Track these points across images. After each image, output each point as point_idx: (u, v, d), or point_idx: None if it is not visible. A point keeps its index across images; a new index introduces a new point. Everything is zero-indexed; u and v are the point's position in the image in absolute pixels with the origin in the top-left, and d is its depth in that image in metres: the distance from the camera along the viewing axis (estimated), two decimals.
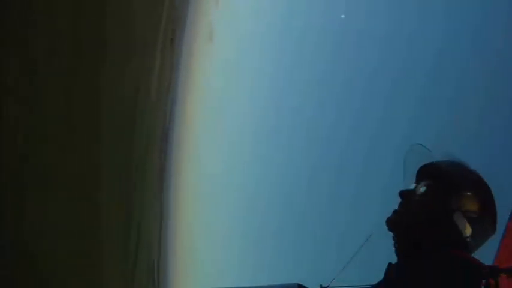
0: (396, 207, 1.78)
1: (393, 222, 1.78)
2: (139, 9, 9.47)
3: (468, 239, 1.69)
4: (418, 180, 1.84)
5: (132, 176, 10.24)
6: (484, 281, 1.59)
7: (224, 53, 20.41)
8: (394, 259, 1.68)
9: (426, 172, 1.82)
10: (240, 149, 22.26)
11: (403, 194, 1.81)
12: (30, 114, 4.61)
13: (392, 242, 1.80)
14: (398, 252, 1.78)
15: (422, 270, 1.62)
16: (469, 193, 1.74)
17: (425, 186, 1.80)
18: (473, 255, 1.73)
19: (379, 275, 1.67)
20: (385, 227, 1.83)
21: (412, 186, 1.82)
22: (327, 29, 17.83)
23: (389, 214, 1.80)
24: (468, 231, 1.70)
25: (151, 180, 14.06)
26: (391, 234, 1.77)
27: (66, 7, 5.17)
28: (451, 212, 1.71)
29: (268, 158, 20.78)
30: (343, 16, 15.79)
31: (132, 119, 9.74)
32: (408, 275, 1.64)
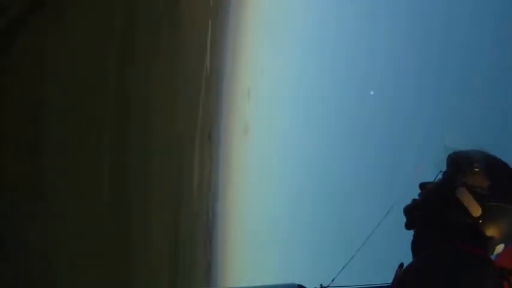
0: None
1: (406, 209, 1.77)
2: (180, 109, 10.58)
3: (480, 221, 1.59)
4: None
5: (179, 271, 10.49)
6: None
7: (260, 145, 21.35)
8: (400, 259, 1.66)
9: (447, 162, 1.80)
10: (278, 244, 22.30)
11: (422, 185, 1.80)
12: None
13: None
14: (412, 245, 1.74)
15: (426, 266, 1.52)
16: (476, 168, 1.67)
17: (442, 174, 1.78)
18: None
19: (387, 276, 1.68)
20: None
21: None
22: (358, 107, 18.61)
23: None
24: (476, 210, 1.60)
25: (198, 276, 14.07)
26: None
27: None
28: (455, 188, 1.65)
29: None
30: (372, 93, 16.54)
31: (176, 219, 10.23)
32: (414, 270, 1.54)
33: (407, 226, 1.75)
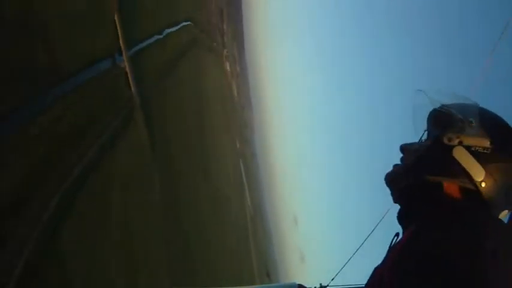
0: None
1: (387, 175, 1.58)
2: (233, 253, 11.79)
3: (484, 184, 1.40)
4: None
5: None
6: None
7: (318, 270, 21.42)
8: None
9: (433, 118, 1.59)
10: None
11: (404, 147, 1.60)
12: None
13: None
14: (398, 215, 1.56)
15: (417, 235, 1.34)
16: (472, 123, 1.47)
17: (427, 133, 1.59)
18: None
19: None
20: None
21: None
22: None
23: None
24: (479, 172, 1.41)
25: None
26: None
27: None
28: (449, 148, 1.45)
29: None
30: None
31: None
32: (407, 239, 1.36)
33: (395, 199, 1.56)
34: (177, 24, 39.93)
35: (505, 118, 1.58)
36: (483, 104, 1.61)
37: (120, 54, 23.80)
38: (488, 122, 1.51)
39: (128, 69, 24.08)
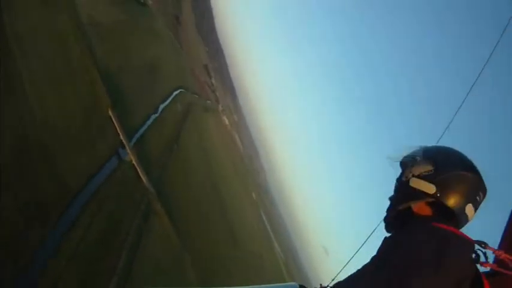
0: None
1: (384, 220, 2.37)
2: None
3: (438, 194, 2.05)
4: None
5: None
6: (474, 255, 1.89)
7: None
8: None
9: (401, 167, 2.36)
10: None
11: (389, 198, 2.37)
12: None
13: None
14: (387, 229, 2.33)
15: (396, 240, 1.99)
16: (417, 158, 2.21)
17: (396, 182, 2.36)
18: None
19: None
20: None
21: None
22: None
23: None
24: (430, 188, 2.09)
25: None
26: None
27: None
28: (407, 182, 2.19)
29: None
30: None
31: None
32: (387, 245, 1.98)
33: (387, 229, 2.32)
34: (169, 96, 40.62)
35: None
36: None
37: (123, 147, 24.14)
38: (430, 152, 2.18)
39: (134, 162, 24.08)
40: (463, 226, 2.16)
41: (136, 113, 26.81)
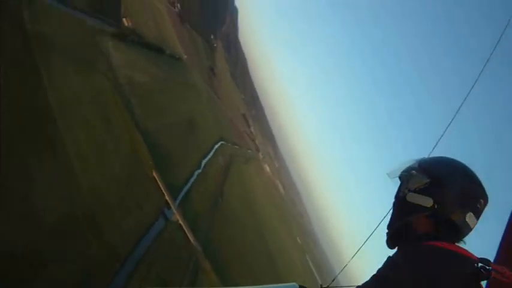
0: None
1: (386, 234, 2.25)
2: None
3: (436, 207, 1.99)
4: None
5: None
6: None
7: None
8: None
9: (401, 178, 2.25)
10: None
11: (393, 203, 2.28)
12: None
13: None
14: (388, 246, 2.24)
15: (393, 261, 1.96)
16: (413, 172, 2.14)
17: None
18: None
19: None
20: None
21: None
22: None
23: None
24: (427, 201, 2.03)
25: None
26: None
27: None
28: (404, 197, 2.12)
29: None
30: None
31: None
32: (386, 265, 1.94)
33: (388, 246, 2.23)
34: (210, 150, 40.96)
35: None
36: None
37: (169, 207, 24.11)
38: (426, 165, 2.16)
39: (180, 221, 23.96)
40: (466, 235, 2.09)
41: (180, 170, 27.02)
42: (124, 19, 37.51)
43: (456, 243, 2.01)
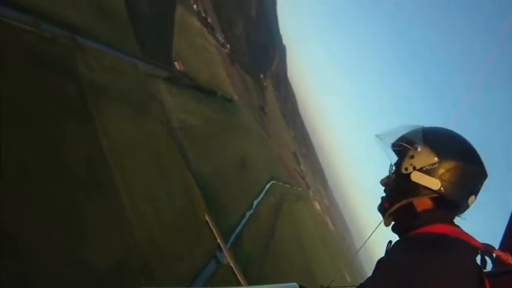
0: None
1: (378, 207, 2.14)
2: None
3: (443, 189, 1.83)
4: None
5: None
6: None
7: None
8: None
9: (394, 151, 2.05)
10: None
11: (382, 182, 2.11)
12: None
13: None
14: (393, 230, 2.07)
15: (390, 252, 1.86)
16: (418, 149, 1.93)
17: (391, 165, 2.08)
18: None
19: None
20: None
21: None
22: None
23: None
24: (435, 183, 1.86)
25: None
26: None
27: None
28: (408, 175, 1.91)
29: None
30: None
31: None
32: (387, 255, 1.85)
33: (385, 224, 2.09)
34: (262, 190, 40.70)
35: None
36: None
37: (221, 250, 23.86)
38: (432, 139, 1.94)
39: (232, 264, 23.59)
40: (463, 212, 1.96)
41: (232, 212, 26.86)
42: (176, 62, 38.91)
43: (454, 222, 1.94)
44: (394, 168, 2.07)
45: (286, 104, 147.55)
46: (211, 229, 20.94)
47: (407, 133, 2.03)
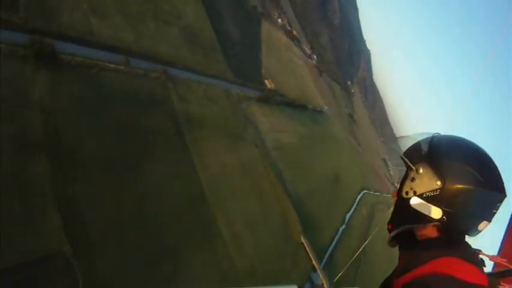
0: None
1: (387, 227, 1.89)
2: None
3: (445, 218, 1.57)
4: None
5: None
6: None
7: None
8: None
9: (404, 163, 1.79)
10: None
11: (393, 195, 1.84)
12: None
13: None
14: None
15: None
16: (421, 168, 1.65)
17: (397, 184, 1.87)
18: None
19: None
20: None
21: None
22: None
23: None
24: (437, 213, 1.58)
25: None
26: None
27: None
28: (408, 200, 1.67)
29: None
30: None
31: None
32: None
33: (390, 245, 1.88)
34: (353, 202, 39.44)
35: None
36: None
37: (315, 270, 23.30)
38: (438, 157, 1.63)
39: (326, 285, 22.85)
40: (473, 236, 1.63)
41: (325, 229, 26.14)
42: (266, 81, 38.76)
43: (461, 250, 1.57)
44: (397, 187, 1.83)
45: (374, 109, 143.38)
46: (306, 251, 20.37)
47: (414, 146, 1.75)
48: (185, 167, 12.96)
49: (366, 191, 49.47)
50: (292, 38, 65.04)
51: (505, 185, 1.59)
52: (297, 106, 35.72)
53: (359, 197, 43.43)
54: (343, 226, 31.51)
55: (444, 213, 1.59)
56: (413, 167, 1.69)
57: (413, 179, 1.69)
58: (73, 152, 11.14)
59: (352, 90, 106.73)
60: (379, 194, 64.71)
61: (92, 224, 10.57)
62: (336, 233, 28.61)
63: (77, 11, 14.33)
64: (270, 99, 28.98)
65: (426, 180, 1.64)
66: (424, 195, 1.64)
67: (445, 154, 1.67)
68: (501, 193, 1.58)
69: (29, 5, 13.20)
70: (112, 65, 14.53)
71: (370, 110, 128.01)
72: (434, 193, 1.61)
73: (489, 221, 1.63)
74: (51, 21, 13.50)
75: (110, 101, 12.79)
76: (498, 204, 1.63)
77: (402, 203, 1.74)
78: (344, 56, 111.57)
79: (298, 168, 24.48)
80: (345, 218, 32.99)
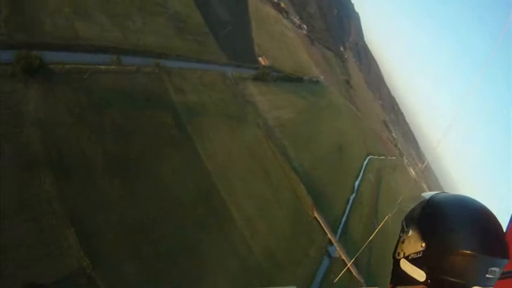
0: None
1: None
2: None
3: (429, 281, 1.55)
4: None
5: None
6: None
7: None
8: None
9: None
10: None
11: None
12: None
13: None
14: None
15: None
16: (408, 233, 1.66)
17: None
18: None
19: None
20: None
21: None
22: None
23: None
24: (420, 275, 1.59)
25: None
26: None
27: None
28: (398, 261, 1.68)
29: None
30: None
31: None
32: None
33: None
34: (361, 170, 39.42)
35: None
36: None
37: (331, 243, 23.32)
38: (427, 219, 1.62)
39: (343, 257, 22.92)
40: None
41: (337, 200, 26.04)
42: (260, 58, 38.16)
43: None
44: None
45: (370, 73, 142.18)
46: (320, 225, 20.31)
47: (413, 209, 1.75)
48: (192, 160, 12.75)
49: (371, 156, 49.35)
50: (280, 10, 64.04)
51: (504, 248, 1.53)
52: (293, 79, 35.22)
53: (365, 163, 43.36)
54: (353, 195, 31.51)
55: (428, 276, 1.59)
56: (406, 229, 1.71)
57: (403, 241, 1.72)
58: (76, 162, 10.93)
59: (346, 56, 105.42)
60: (383, 157, 64.72)
61: (105, 231, 10.44)
62: (347, 202, 28.60)
63: (58, 16, 13.87)
64: (265, 76, 28.53)
65: (412, 242, 1.65)
66: (410, 257, 1.65)
67: (433, 217, 1.65)
68: (493, 256, 1.52)
69: (9, 20, 12.76)
70: (103, 67, 14.17)
71: (365, 74, 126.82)
72: (418, 255, 1.62)
73: (482, 286, 1.57)
74: (34, 31, 13.08)
75: (105, 104, 12.50)
76: (492, 269, 1.56)
77: (396, 263, 1.78)
78: (334, 23, 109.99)
79: (302, 143, 24.22)
80: (354, 186, 32.96)
